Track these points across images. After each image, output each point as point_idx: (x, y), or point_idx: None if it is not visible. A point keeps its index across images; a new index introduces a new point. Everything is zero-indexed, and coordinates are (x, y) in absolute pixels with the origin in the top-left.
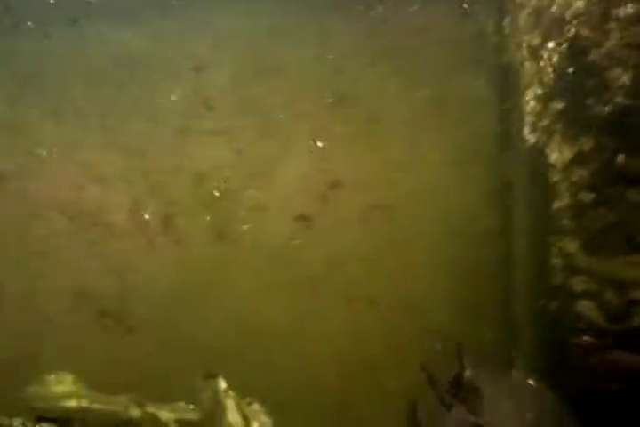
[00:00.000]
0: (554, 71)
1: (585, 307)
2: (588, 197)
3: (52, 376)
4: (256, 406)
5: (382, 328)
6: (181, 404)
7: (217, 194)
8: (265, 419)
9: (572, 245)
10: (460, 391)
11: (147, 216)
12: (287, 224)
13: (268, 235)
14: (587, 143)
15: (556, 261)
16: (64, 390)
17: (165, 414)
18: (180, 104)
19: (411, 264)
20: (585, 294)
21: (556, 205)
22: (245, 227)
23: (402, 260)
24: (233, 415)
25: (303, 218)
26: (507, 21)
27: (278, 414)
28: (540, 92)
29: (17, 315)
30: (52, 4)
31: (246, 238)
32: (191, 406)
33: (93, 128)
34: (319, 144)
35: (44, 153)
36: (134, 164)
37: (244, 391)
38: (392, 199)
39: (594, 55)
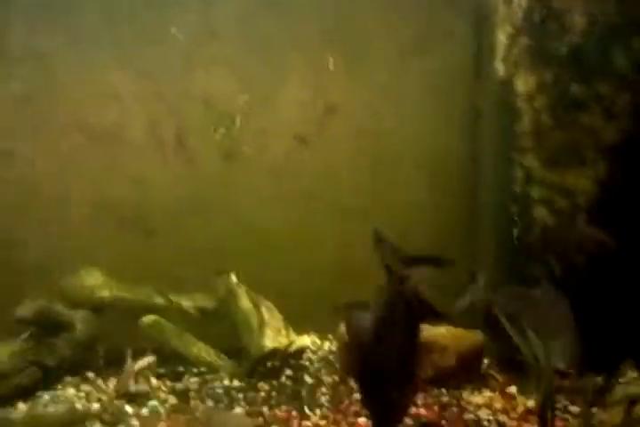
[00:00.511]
0: (522, 13)
1: (540, 212)
2: (547, 120)
3: (83, 271)
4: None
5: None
6: (198, 294)
7: (223, 117)
8: (269, 304)
9: (532, 161)
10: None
11: (161, 136)
12: (286, 145)
13: (269, 154)
14: (548, 75)
15: (518, 174)
16: (95, 282)
17: (185, 302)
18: (189, 34)
19: (394, 180)
20: (540, 201)
21: (520, 127)
22: (249, 147)
23: (387, 176)
24: (244, 302)
25: (300, 139)
26: None
27: (279, 303)
28: (510, 30)
29: (45, 223)
30: None
31: (249, 157)
32: (207, 296)
33: (109, 54)
34: (316, 73)
35: (65, 77)
36: (148, 88)
37: (249, 285)
38: (378, 123)
39: (556, 2)
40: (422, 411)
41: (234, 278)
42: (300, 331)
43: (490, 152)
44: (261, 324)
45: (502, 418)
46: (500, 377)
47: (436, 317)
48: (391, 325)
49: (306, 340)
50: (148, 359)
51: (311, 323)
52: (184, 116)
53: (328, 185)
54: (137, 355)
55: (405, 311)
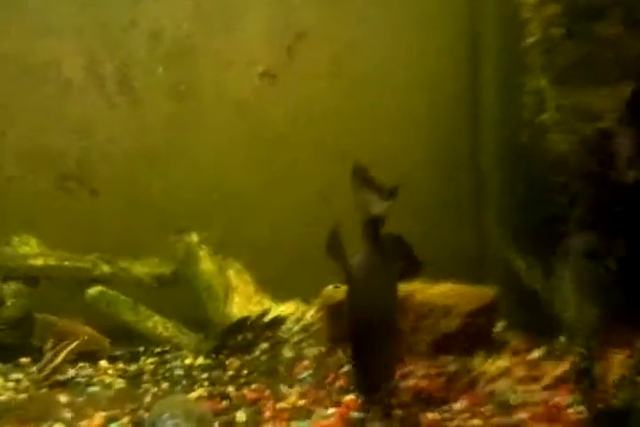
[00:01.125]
0: None
1: (554, 141)
2: (557, 31)
3: (17, 239)
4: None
5: None
6: (153, 259)
7: (176, 50)
8: (238, 266)
9: (541, 81)
10: None
11: (103, 74)
12: (250, 80)
13: (231, 92)
14: None
15: (527, 98)
16: (30, 250)
17: (138, 269)
18: None
19: (379, 120)
20: (556, 127)
21: (527, 41)
22: (207, 84)
23: (371, 115)
24: (206, 264)
25: (267, 74)
26: None
27: (252, 266)
28: None
29: None
30: None
31: (208, 96)
32: (164, 261)
33: None
34: None
35: None
36: (88, 16)
37: (216, 247)
38: (358, 50)
39: None
40: (424, 383)
41: (194, 238)
42: (280, 297)
43: (492, 75)
44: (228, 289)
45: (527, 388)
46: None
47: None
48: (371, 273)
49: (285, 308)
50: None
51: (292, 287)
52: (129, 50)
53: (304, 126)
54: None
55: (382, 261)
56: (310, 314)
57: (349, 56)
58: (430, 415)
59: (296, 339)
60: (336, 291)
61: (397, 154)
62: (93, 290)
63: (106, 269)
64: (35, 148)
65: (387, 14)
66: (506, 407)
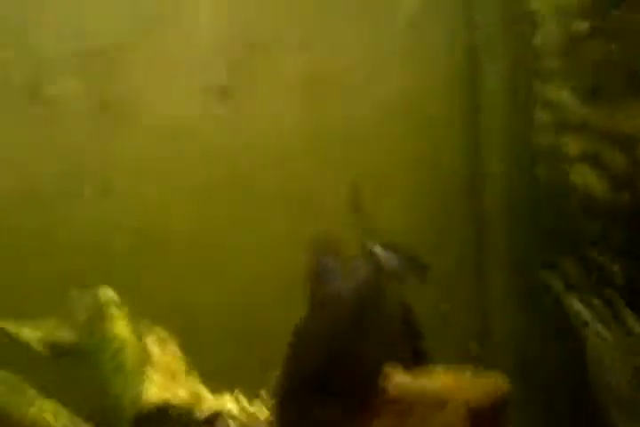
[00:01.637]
0: None
1: (580, 173)
2: (581, 25)
3: None
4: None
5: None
6: (49, 321)
7: (99, 56)
8: (164, 334)
9: (561, 92)
10: None
11: (11, 81)
12: (194, 97)
13: (169, 109)
14: None
15: (541, 115)
16: None
17: (27, 333)
18: None
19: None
20: (581, 157)
21: (540, 39)
22: (136, 100)
23: (352, 141)
24: (118, 328)
25: (217, 89)
26: None
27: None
28: None
29: None
30: None
31: (138, 113)
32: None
33: None
34: None
35: None
36: None
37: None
38: (332, 63)
39: None
40: None
41: (108, 292)
42: (221, 388)
43: (495, 83)
44: (144, 362)
45: None
46: None
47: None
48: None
49: (224, 400)
50: None
51: (237, 375)
52: (43, 52)
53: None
54: None
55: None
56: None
57: (321, 68)
58: None
59: None
60: None
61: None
62: None
63: None
64: None
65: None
66: None
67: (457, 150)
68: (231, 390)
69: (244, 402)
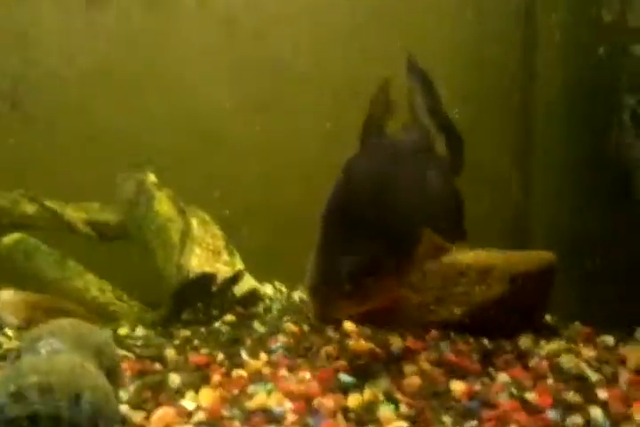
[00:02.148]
0: None
1: None
2: None
3: None
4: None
5: None
6: (93, 204)
7: None
8: (205, 217)
9: None
10: None
11: None
12: None
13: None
14: None
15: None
16: None
17: (71, 213)
18: None
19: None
20: None
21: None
22: None
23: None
24: (162, 206)
25: None
26: None
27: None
28: None
29: None
30: None
31: (187, 5)
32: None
33: None
34: None
35: None
36: None
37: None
38: None
39: None
40: (452, 357)
41: (151, 176)
42: (261, 279)
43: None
44: (187, 238)
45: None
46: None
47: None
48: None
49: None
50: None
51: (278, 267)
52: None
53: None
54: None
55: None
56: (298, 296)
57: None
58: (461, 386)
59: (273, 316)
60: None
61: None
62: (9, 238)
63: (29, 209)
64: None
65: None
66: (582, 383)
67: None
68: (272, 281)
69: (284, 289)
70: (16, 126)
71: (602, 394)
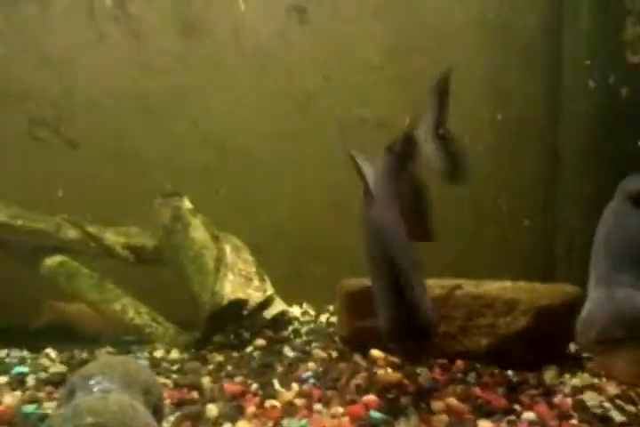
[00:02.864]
0: None
1: None
2: None
3: None
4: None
5: None
6: (132, 228)
7: None
8: (237, 242)
9: None
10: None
11: None
12: (275, 18)
13: (250, 30)
14: None
15: None
16: None
17: (110, 238)
18: None
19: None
20: None
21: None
22: (220, 18)
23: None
24: (197, 233)
25: (296, 9)
26: None
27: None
28: None
29: None
30: None
31: (221, 33)
32: (145, 232)
33: None
34: None
35: None
36: None
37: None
38: None
39: None
40: (478, 391)
41: (187, 203)
42: (289, 301)
43: None
44: (221, 264)
45: (634, 410)
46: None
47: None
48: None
49: (290, 308)
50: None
51: (305, 290)
52: None
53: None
54: None
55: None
56: (325, 319)
57: None
58: (488, 424)
59: (303, 340)
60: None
61: None
62: (52, 260)
63: (71, 234)
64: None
65: None
66: (606, 424)
67: None
68: (300, 303)
69: (311, 311)
70: (58, 150)
71: None
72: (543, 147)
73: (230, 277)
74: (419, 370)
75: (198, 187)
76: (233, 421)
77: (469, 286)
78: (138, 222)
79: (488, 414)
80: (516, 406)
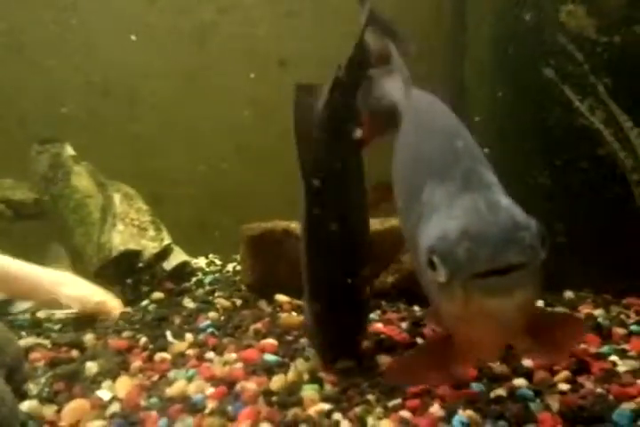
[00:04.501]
0: None
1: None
2: None
3: None
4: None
5: None
6: (7, 181)
7: None
8: (131, 191)
9: None
10: None
11: None
12: None
13: None
14: None
15: None
16: None
17: None
18: None
19: None
20: None
21: None
22: None
23: None
24: (80, 181)
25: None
26: None
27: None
28: None
29: None
30: None
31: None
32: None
33: None
34: None
35: None
36: None
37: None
38: None
39: None
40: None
41: (68, 149)
42: (195, 253)
43: None
44: (108, 214)
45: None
46: None
47: None
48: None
49: (195, 259)
50: None
51: (211, 241)
52: None
53: None
54: None
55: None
56: (232, 266)
57: None
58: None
59: (206, 290)
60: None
61: None
62: None
63: None
64: None
65: None
66: None
67: None
68: (206, 255)
69: (218, 261)
70: None
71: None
72: None
73: (120, 227)
74: None
75: (84, 134)
76: (114, 377)
77: (375, 224)
78: (18, 176)
79: (388, 349)
80: (419, 340)
